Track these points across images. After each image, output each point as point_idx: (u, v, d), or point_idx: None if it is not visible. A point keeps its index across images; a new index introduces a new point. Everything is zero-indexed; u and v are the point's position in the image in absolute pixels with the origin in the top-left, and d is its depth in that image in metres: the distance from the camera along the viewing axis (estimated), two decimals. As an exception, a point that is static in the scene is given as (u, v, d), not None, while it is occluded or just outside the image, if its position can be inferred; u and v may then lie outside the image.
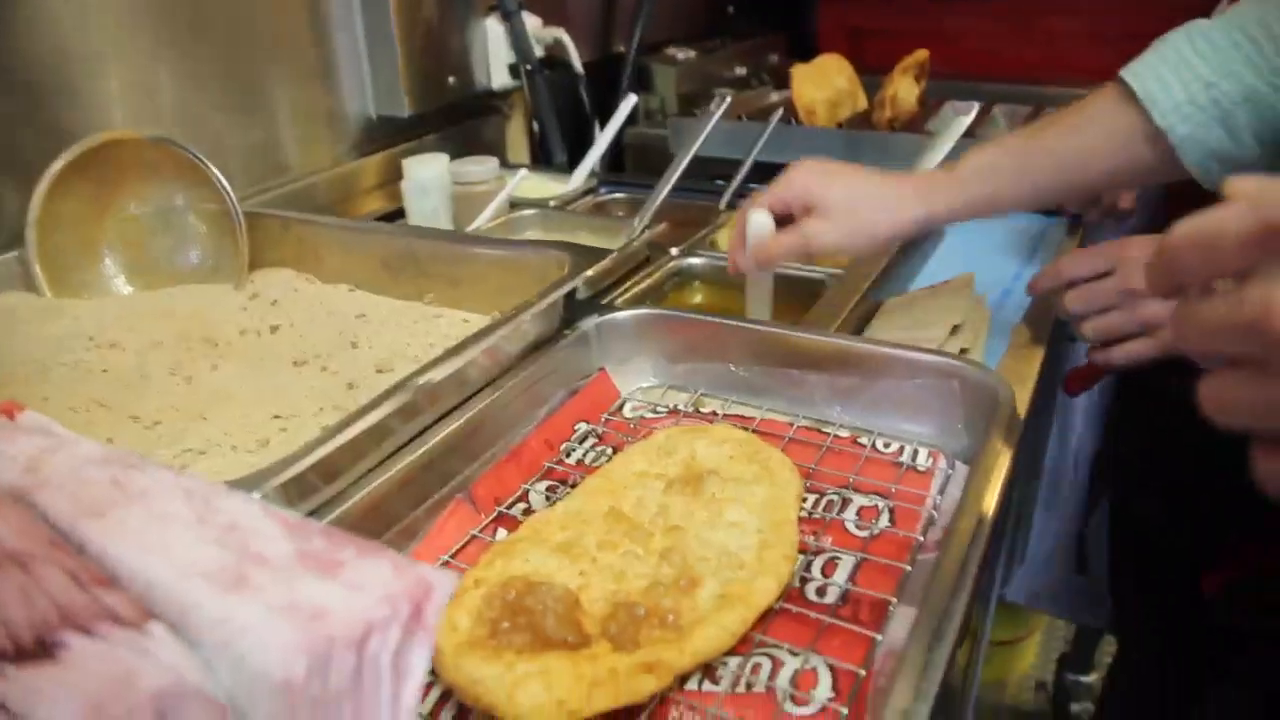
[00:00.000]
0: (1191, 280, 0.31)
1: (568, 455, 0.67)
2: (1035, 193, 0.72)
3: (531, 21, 1.25)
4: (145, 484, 0.36)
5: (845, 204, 0.71)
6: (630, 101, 1.19)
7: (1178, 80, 0.64)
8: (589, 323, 0.74)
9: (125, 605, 0.30)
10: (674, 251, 0.99)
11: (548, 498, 0.63)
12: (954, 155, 1.04)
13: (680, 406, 0.72)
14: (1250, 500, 0.83)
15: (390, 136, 1.18)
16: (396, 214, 1.11)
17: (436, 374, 0.59)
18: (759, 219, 0.74)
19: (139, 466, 0.37)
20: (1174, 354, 0.71)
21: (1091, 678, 1.52)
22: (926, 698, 0.42)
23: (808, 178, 0.74)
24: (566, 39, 1.31)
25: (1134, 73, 0.67)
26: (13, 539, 0.33)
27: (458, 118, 1.26)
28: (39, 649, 0.29)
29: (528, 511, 0.61)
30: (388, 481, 0.57)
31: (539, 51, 1.27)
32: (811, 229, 0.72)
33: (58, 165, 0.79)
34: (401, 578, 0.32)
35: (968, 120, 1.07)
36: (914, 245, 0.99)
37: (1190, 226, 0.31)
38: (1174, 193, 1.13)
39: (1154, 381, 0.93)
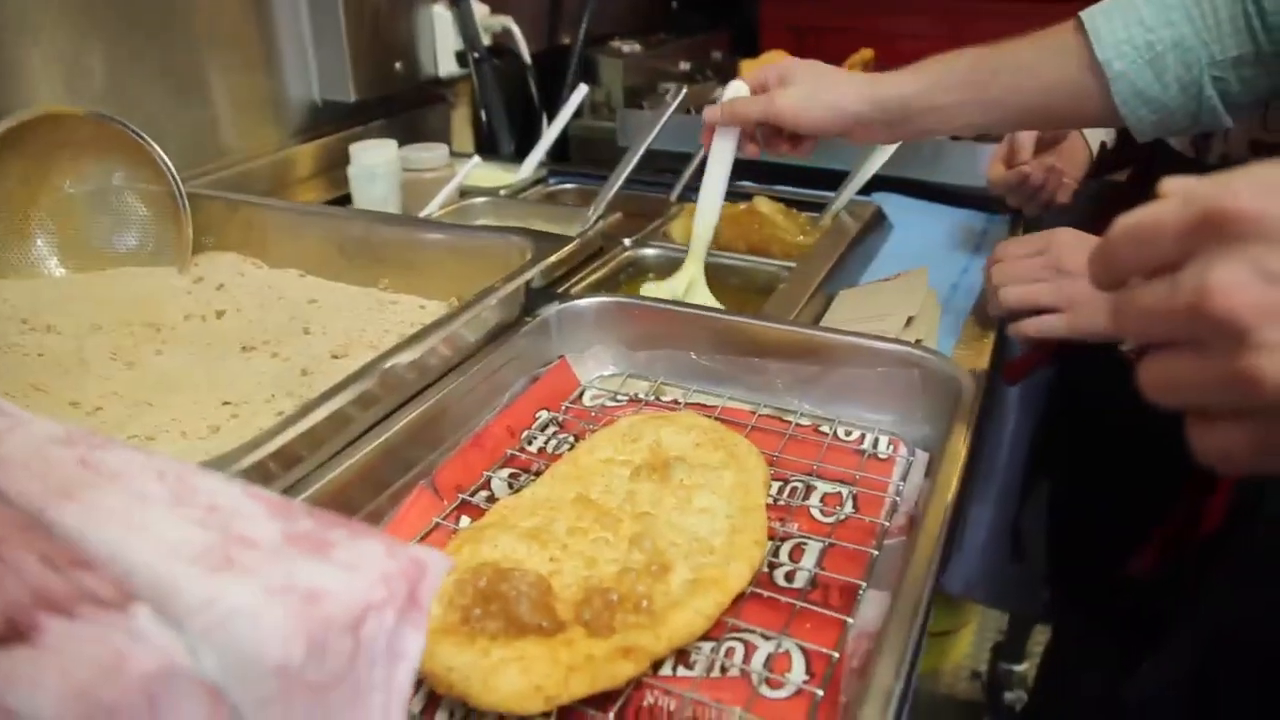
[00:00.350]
0: (1131, 271, 0.34)
1: (529, 443, 0.66)
2: (979, 93, 0.77)
3: (479, 9, 1.24)
4: (115, 464, 0.34)
5: (805, 75, 0.81)
6: (582, 92, 1.18)
7: (1122, 21, 0.70)
8: (549, 310, 0.73)
9: (105, 587, 0.28)
10: (627, 242, 0.98)
11: (510, 485, 0.62)
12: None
13: (641, 395, 0.72)
14: (1181, 482, 0.86)
15: (334, 123, 1.16)
16: (340, 201, 1.08)
17: (403, 358, 0.58)
18: (736, 84, 0.85)
19: (105, 446, 0.36)
20: (1081, 335, 0.73)
21: (1024, 666, 1.56)
22: (904, 678, 0.42)
23: (782, 61, 0.83)
24: (514, 28, 1.30)
25: (1090, 12, 0.73)
26: (-25, 521, 0.31)
27: (403, 105, 1.24)
28: (10, 631, 0.27)
29: (490, 499, 0.60)
30: (349, 469, 0.56)
31: (486, 40, 1.25)
32: (776, 92, 0.81)
33: (-13, 139, 0.76)
34: (395, 558, 0.31)
35: None
36: (864, 239, 1.00)
37: (1130, 221, 0.33)
38: (1109, 195, 1.17)
39: (1088, 370, 0.96)
